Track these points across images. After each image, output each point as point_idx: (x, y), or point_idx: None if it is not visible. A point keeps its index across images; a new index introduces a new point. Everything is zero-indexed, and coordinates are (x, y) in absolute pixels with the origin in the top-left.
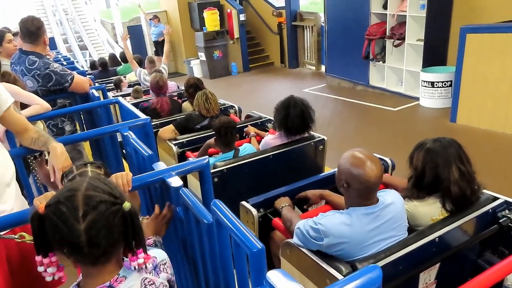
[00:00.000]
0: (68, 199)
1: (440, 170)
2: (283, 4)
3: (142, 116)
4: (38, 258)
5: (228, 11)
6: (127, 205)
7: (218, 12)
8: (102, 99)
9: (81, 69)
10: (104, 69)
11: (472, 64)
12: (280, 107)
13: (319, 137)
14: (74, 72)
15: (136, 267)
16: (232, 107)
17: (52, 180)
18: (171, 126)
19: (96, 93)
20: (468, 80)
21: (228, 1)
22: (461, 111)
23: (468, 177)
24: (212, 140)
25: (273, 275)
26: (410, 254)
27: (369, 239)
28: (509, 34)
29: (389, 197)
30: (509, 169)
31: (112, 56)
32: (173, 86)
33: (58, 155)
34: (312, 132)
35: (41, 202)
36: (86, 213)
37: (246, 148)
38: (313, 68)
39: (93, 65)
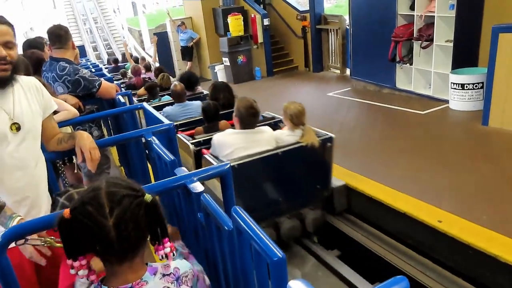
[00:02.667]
0: (93, 198)
1: None
2: (307, 8)
3: (166, 121)
4: (69, 262)
5: (252, 16)
6: (148, 196)
7: (242, 17)
8: (128, 105)
9: (109, 75)
10: (116, 64)
11: (505, 64)
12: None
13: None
14: (102, 79)
15: (164, 256)
16: None
17: (79, 161)
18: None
19: (122, 99)
20: (501, 82)
21: (252, 6)
22: (493, 113)
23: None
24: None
25: (295, 285)
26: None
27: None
28: None
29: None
30: None
31: (123, 55)
32: (150, 75)
33: (85, 138)
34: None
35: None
36: (113, 209)
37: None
38: (338, 71)
39: (108, 62)
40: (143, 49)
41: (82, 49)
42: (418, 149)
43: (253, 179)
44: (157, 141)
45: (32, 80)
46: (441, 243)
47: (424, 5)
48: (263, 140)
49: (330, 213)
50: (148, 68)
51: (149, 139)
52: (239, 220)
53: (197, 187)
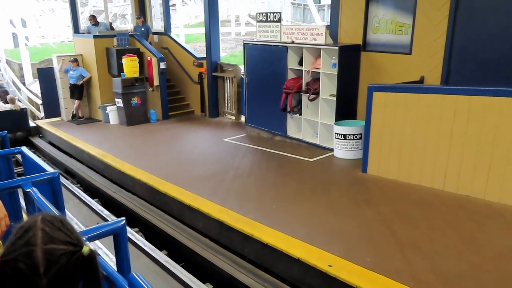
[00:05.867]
0: (27, 256)
1: None
2: (204, 55)
3: (49, 169)
4: None
5: (148, 58)
6: (86, 249)
7: (138, 59)
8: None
9: None
10: None
11: (379, 119)
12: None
13: None
14: None
15: None
16: None
17: None
18: None
19: None
20: (376, 134)
21: (149, 48)
22: (371, 162)
23: None
24: None
25: None
26: None
27: None
28: (409, 94)
29: None
30: (411, 213)
31: None
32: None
33: None
34: None
35: None
36: (48, 269)
37: None
38: (233, 118)
39: None
40: (23, 84)
41: None
42: (309, 195)
43: None
44: (38, 194)
45: None
46: (334, 287)
47: (311, 62)
48: None
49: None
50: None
51: (28, 190)
52: None
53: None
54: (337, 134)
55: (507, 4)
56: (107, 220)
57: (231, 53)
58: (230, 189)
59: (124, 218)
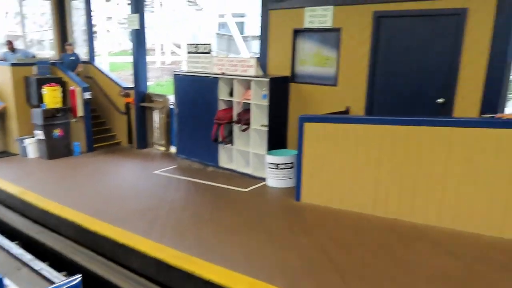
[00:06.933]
0: None
1: None
2: (129, 84)
3: None
4: None
5: (72, 88)
6: None
7: (61, 88)
8: None
9: None
10: None
11: (310, 148)
12: None
13: None
14: None
15: None
16: None
17: None
18: None
19: None
20: (308, 163)
21: (72, 78)
22: (304, 190)
23: None
24: None
25: None
26: None
27: None
28: (337, 124)
29: None
30: (346, 238)
31: None
32: None
33: None
34: None
35: None
36: None
37: None
38: (163, 149)
39: None
40: None
41: None
42: (247, 226)
43: None
44: None
45: None
46: None
47: (241, 93)
48: None
49: None
50: None
51: None
52: None
53: None
54: (270, 163)
55: (417, 44)
56: (29, 266)
57: (157, 82)
58: (165, 224)
59: (80, 275)
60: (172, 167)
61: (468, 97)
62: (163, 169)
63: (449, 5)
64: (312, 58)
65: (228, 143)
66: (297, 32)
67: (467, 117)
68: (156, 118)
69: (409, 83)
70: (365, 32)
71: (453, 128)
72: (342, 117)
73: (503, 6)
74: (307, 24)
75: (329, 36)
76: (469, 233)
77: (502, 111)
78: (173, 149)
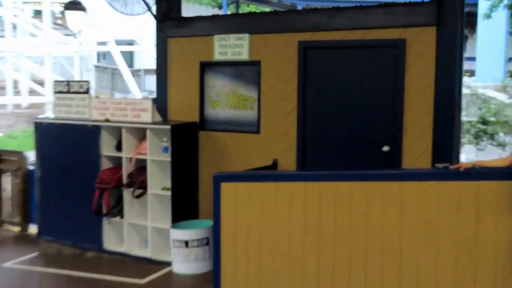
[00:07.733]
0: None
1: None
2: None
3: None
4: None
5: None
6: None
7: None
8: None
9: None
10: None
11: (231, 216)
12: None
13: None
14: None
15: None
16: None
17: None
18: None
19: None
20: (229, 237)
21: None
22: (225, 274)
23: None
24: None
25: None
26: None
27: None
28: (265, 183)
29: None
30: None
31: None
32: None
33: None
34: None
35: None
36: None
37: None
38: (18, 229)
39: None
40: None
41: None
42: None
43: None
44: None
45: None
46: None
47: (133, 145)
48: None
49: None
50: None
51: None
52: None
53: None
54: (176, 241)
55: (353, 80)
56: None
57: (8, 133)
58: None
59: None
60: (31, 255)
61: (416, 143)
62: (18, 260)
63: (384, 35)
64: (226, 99)
65: (116, 216)
66: (205, 66)
67: (418, 168)
68: (7, 184)
69: (348, 128)
70: (290, 66)
71: (403, 183)
72: (269, 173)
73: (441, 36)
74: (217, 56)
75: (247, 70)
76: None
77: (457, 158)
78: (33, 229)
